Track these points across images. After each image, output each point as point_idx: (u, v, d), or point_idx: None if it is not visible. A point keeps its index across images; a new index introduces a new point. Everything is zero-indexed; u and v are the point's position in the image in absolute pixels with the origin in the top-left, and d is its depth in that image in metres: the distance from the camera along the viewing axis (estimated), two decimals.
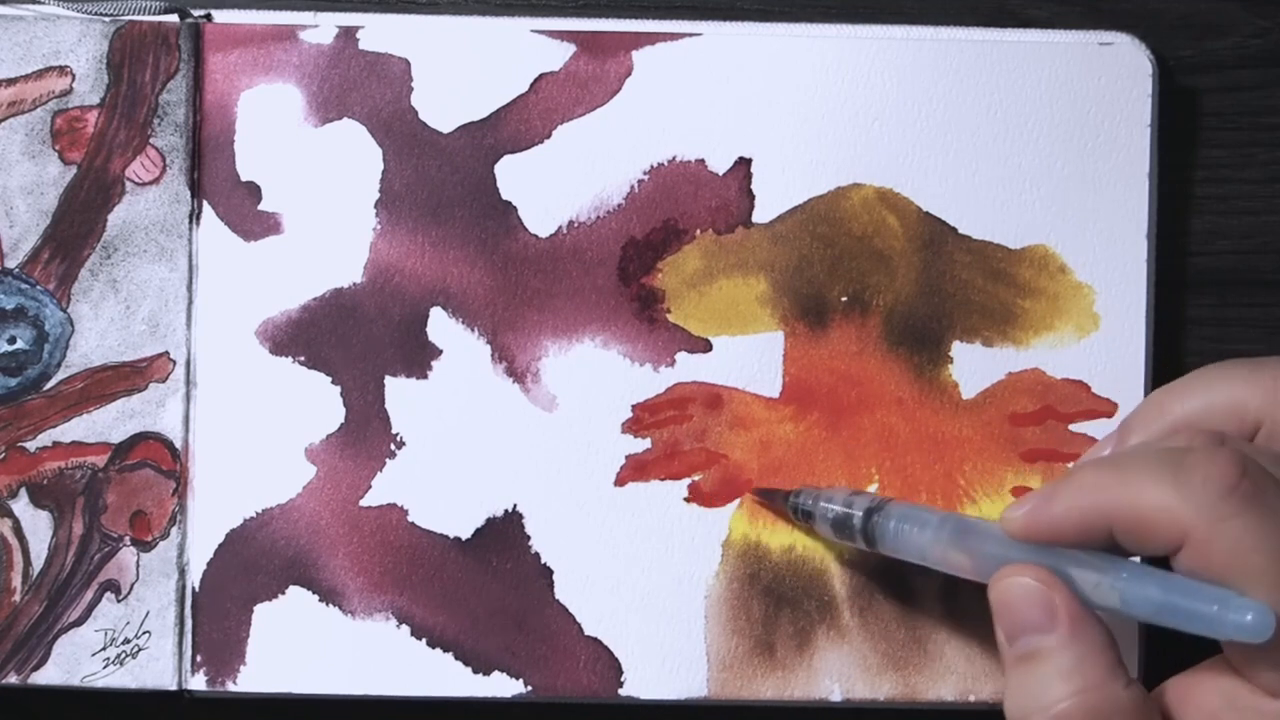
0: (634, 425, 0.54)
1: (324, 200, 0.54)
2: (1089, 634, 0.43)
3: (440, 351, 0.54)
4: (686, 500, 0.54)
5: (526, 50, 0.54)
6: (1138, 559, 0.44)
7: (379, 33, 0.54)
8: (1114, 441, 0.49)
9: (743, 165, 0.54)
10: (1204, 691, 0.43)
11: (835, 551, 0.54)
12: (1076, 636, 0.43)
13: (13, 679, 0.53)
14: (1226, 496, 0.41)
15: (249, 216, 0.53)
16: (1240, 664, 0.42)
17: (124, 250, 0.53)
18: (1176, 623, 0.41)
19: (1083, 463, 0.48)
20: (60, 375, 0.53)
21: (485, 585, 0.53)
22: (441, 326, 0.54)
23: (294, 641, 0.53)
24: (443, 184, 0.54)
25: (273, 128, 0.53)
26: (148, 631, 0.53)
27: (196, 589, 0.53)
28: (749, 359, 0.54)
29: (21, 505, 0.53)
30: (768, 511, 0.54)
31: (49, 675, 0.53)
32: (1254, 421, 0.46)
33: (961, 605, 0.53)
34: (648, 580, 0.53)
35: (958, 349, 0.54)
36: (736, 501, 0.54)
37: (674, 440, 0.54)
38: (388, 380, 0.54)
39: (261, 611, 0.53)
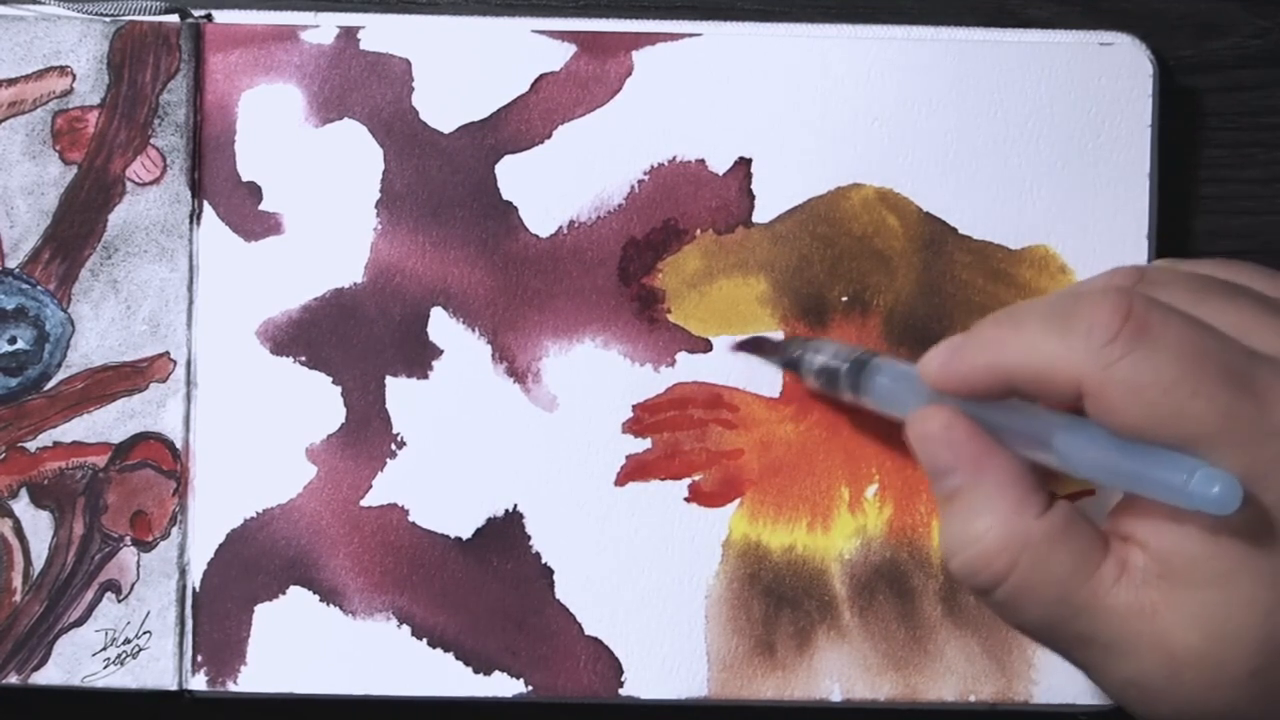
0: (634, 425, 0.54)
1: (325, 200, 0.54)
2: (992, 470, 0.43)
3: (441, 351, 0.54)
4: (686, 500, 0.54)
5: (527, 50, 0.54)
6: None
7: (380, 33, 0.54)
8: None
9: (743, 165, 0.54)
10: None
11: (835, 551, 0.54)
12: (980, 474, 0.43)
13: (13, 679, 0.53)
14: (1111, 341, 0.40)
15: (249, 216, 0.53)
16: None
17: (124, 250, 0.53)
18: (1119, 483, 0.41)
19: (986, 318, 0.46)
20: (60, 375, 0.53)
21: (485, 585, 0.53)
22: (442, 326, 0.54)
23: (294, 641, 0.53)
24: (443, 184, 0.54)
25: (273, 128, 0.53)
26: (148, 631, 0.53)
27: (197, 589, 0.53)
28: (749, 359, 0.54)
29: (22, 505, 0.53)
30: (767, 503, 0.54)
31: (49, 675, 0.53)
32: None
33: (961, 605, 0.53)
34: (648, 580, 0.53)
35: None
36: (736, 501, 0.54)
37: (674, 440, 0.54)
38: (388, 380, 0.54)
39: (262, 611, 0.53)
